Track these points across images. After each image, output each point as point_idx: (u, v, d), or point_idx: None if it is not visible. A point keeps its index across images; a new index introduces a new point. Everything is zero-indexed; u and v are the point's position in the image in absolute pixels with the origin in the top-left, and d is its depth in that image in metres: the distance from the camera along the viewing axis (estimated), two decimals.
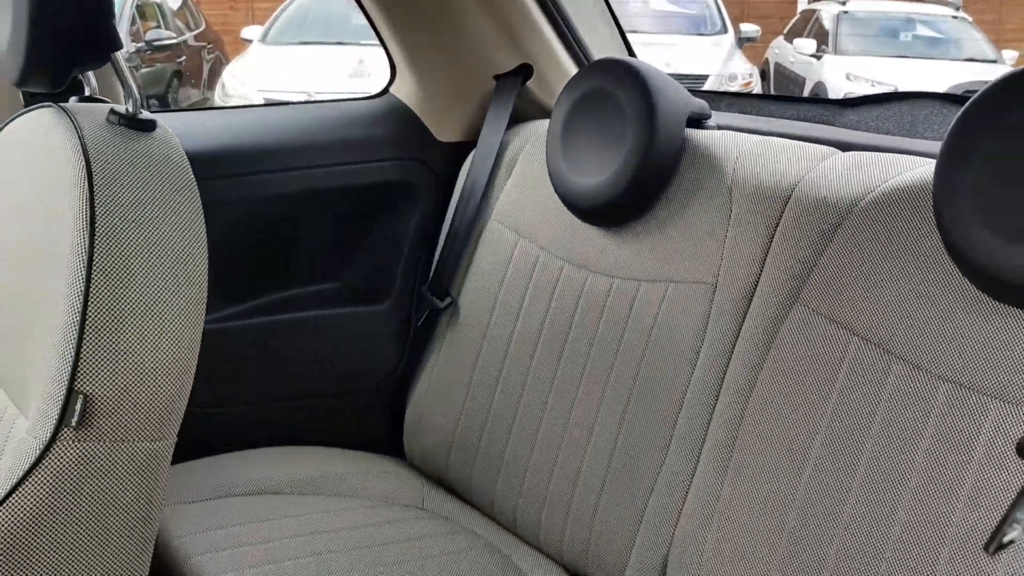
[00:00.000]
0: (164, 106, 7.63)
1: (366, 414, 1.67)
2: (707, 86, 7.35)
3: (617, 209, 1.32)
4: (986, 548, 0.39)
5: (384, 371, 1.67)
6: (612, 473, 1.27)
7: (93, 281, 0.86)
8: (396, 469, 1.59)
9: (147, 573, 0.94)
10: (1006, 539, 0.37)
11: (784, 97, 2.46)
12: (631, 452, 1.25)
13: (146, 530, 0.90)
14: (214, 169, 1.49)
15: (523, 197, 1.51)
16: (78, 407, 0.81)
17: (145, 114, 1.01)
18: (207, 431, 1.53)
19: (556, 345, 1.39)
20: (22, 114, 1.10)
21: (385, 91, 1.73)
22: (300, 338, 1.62)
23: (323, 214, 1.66)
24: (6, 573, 0.82)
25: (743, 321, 1.17)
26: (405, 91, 1.69)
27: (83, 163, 0.90)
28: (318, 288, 1.67)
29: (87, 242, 0.87)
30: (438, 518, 1.46)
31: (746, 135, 1.30)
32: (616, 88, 1.34)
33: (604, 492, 1.27)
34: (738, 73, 8.13)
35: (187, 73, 8.28)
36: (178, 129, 1.12)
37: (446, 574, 1.28)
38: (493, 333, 1.48)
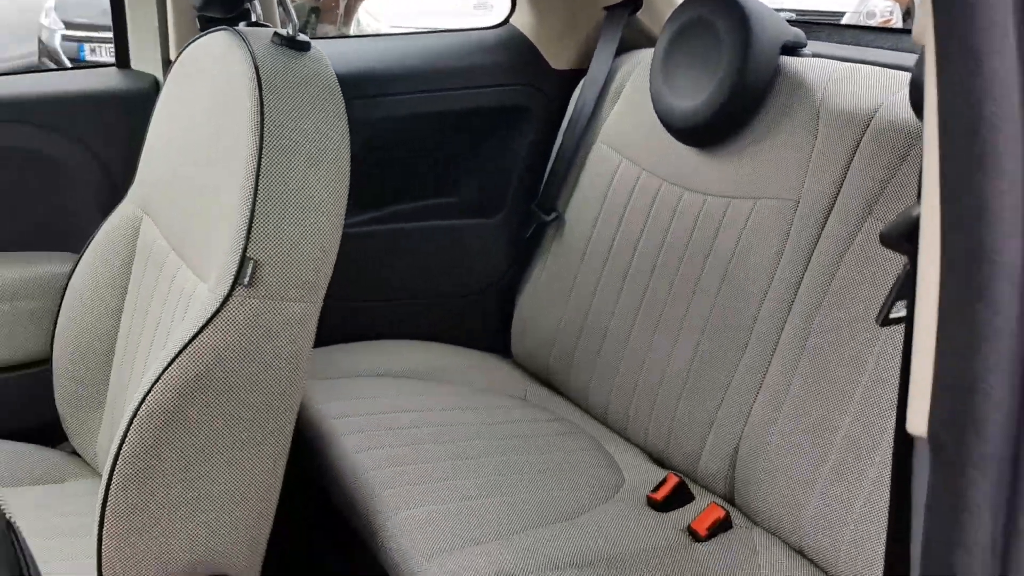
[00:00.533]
0: None
1: (476, 316, 1.86)
2: (844, 22, 7.11)
3: (711, 130, 1.43)
4: (876, 320, 0.49)
5: (494, 278, 1.85)
6: (694, 372, 1.41)
7: (262, 175, 1.05)
8: (501, 365, 1.78)
9: (294, 422, 1.14)
10: (893, 315, 0.47)
11: (881, 28, 2.45)
12: (712, 353, 1.39)
13: (294, 383, 1.10)
14: (354, 91, 1.68)
15: (627, 121, 1.64)
16: (249, 270, 1.02)
17: (302, 37, 1.20)
18: (341, 321, 1.74)
19: (650, 257, 1.52)
20: (200, 37, 1.31)
21: (505, 22, 1.87)
22: (422, 244, 1.81)
23: (447, 134, 1.83)
24: (186, 410, 1.04)
25: (821, 233, 1.28)
26: (523, 22, 1.83)
27: (255, 76, 1.09)
28: (440, 201, 1.85)
29: (258, 142, 1.06)
30: (539, 408, 1.63)
31: (837, 63, 1.39)
32: (715, 18, 1.44)
33: (686, 388, 1.41)
34: (876, 11, 7.79)
35: (324, 10, 8.59)
36: (328, 53, 1.30)
37: (548, 449, 1.45)
38: (594, 246, 1.63)
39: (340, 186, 1.08)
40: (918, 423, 0.42)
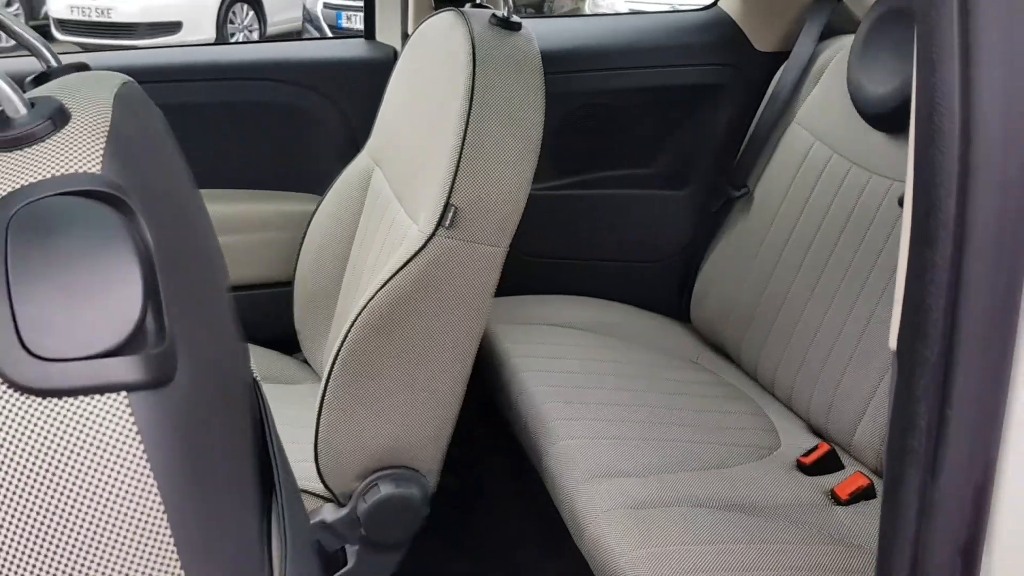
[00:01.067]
0: (539, 14, 8.29)
1: (658, 281, 1.98)
2: None
3: (901, 116, 1.47)
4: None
5: (678, 247, 1.97)
6: (861, 349, 1.46)
7: (467, 135, 1.24)
8: (678, 330, 1.89)
9: (476, 346, 1.33)
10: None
11: None
12: (876, 338, 1.44)
13: (478, 313, 1.28)
14: (565, 65, 1.84)
15: (824, 104, 1.69)
16: (451, 215, 1.21)
17: (515, 18, 1.37)
18: (536, 275, 1.93)
19: (832, 236, 1.58)
20: (432, 16, 1.51)
21: (714, 4, 1.96)
22: (615, 211, 1.95)
23: (647, 108, 1.95)
24: (389, 326, 1.25)
25: None
26: (731, 4, 1.91)
27: (471, 52, 1.27)
28: (635, 171, 1.98)
29: (467, 108, 1.24)
30: (708, 371, 1.74)
31: None
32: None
33: (851, 364, 1.47)
34: None
35: None
36: (542, 31, 1.46)
37: (710, 408, 1.56)
38: (779, 222, 1.70)
39: (531, 149, 1.24)
40: (892, 340, 0.53)
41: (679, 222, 1.96)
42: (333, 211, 1.67)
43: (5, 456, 0.40)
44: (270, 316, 1.82)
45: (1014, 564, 0.55)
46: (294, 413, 1.51)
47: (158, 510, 0.43)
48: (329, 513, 1.34)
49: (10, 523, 0.41)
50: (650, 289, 1.98)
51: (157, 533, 0.43)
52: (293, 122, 1.85)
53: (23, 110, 0.47)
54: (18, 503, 0.41)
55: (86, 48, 7.88)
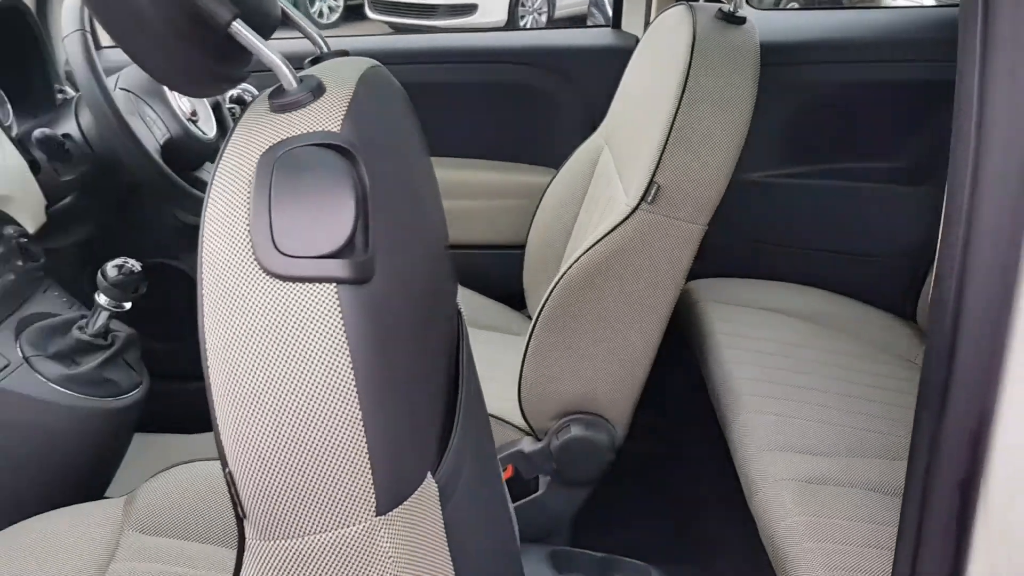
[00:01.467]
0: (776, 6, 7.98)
1: (883, 277, 1.97)
2: None
3: None
4: None
5: (909, 245, 1.94)
6: None
7: (677, 119, 1.35)
8: (898, 327, 1.88)
9: (668, 313, 1.42)
10: None
11: None
12: None
13: (671, 283, 1.39)
14: (804, 56, 1.88)
15: None
16: (653, 191, 1.34)
17: (741, 12, 1.46)
18: (755, 259, 1.99)
19: None
20: (668, 9, 1.63)
21: None
22: (843, 202, 1.96)
23: (885, 103, 1.93)
24: (590, 286, 1.39)
25: None
26: None
27: (691, 43, 1.38)
28: (868, 165, 1.97)
29: (680, 94, 1.35)
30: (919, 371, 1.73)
31: None
32: None
33: None
34: None
35: None
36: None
37: (910, 406, 1.57)
38: None
39: (738, 136, 1.34)
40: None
41: (913, 219, 1.93)
42: (565, 184, 1.85)
43: (259, 316, 0.61)
44: (503, 274, 2.04)
45: (1006, 501, 0.60)
46: (512, 360, 1.71)
47: (349, 373, 0.61)
48: (527, 445, 1.53)
49: (252, 374, 0.61)
50: (875, 284, 1.97)
51: (346, 393, 0.61)
52: (539, 102, 2.04)
53: (295, 84, 0.68)
54: (264, 353, 0.61)
55: (394, 27, 8.68)
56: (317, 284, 0.60)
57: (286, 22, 0.80)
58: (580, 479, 1.52)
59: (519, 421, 1.54)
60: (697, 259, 1.39)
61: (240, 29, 0.65)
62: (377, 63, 0.82)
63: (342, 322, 0.60)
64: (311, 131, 0.64)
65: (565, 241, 1.84)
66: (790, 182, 1.98)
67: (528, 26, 8.77)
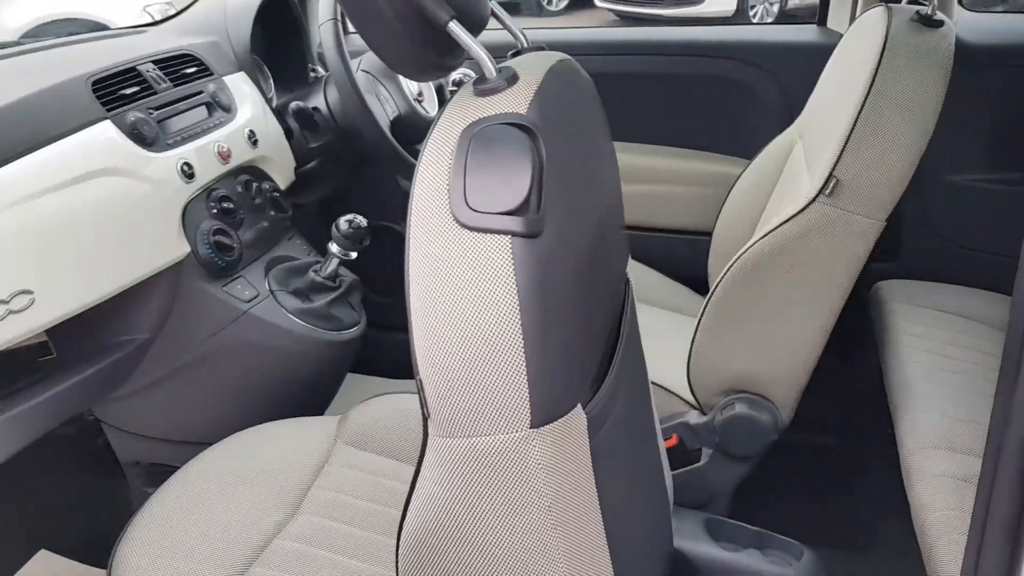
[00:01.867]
0: None
1: None
2: None
3: None
4: None
5: None
6: None
7: (860, 117, 1.38)
8: None
9: (840, 306, 1.44)
10: None
11: None
12: None
13: (844, 276, 1.42)
14: (1008, 59, 1.83)
15: None
16: (831, 185, 1.39)
17: (938, 16, 1.47)
18: (956, 264, 1.96)
19: None
20: (871, 8, 1.65)
21: None
22: None
23: None
24: (762, 272, 1.45)
25: None
26: None
27: (883, 44, 1.41)
28: None
29: (866, 92, 1.39)
30: None
31: None
32: None
33: None
34: None
35: None
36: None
37: None
38: None
39: (922, 136, 1.36)
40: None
41: None
42: (756, 175, 1.91)
43: (449, 256, 0.77)
44: (691, 259, 2.13)
45: None
46: (687, 338, 1.81)
47: (516, 309, 0.76)
48: (693, 417, 1.63)
49: (441, 300, 0.77)
50: None
51: (512, 324, 0.75)
52: (738, 95, 2.10)
53: (494, 73, 0.83)
54: (450, 284, 0.77)
55: (619, 15, 8.79)
56: (496, 235, 0.75)
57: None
58: (741, 454, 1.61)
59: (687, 395, 1.65)
60: (891, 260, 1.42)
61: (455, 28, 0.81)
62: (566, 56, 0.96)
63: (513, 267, 0.75)
64: (503, 112, 0.79)
65: (751, 230, 1.90)
66: (998, 188, 1.93)
67: (758, 17, 8.59)
